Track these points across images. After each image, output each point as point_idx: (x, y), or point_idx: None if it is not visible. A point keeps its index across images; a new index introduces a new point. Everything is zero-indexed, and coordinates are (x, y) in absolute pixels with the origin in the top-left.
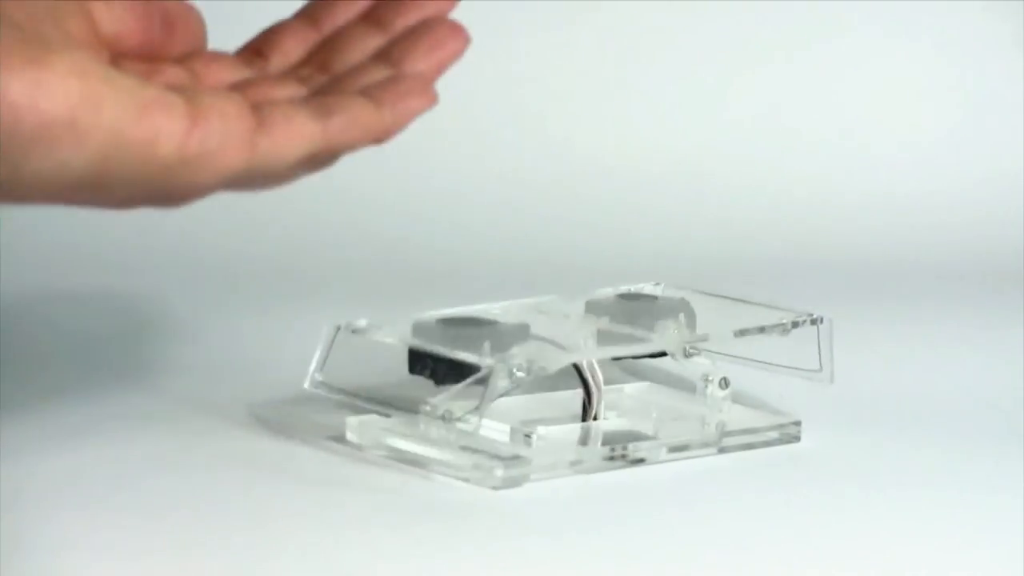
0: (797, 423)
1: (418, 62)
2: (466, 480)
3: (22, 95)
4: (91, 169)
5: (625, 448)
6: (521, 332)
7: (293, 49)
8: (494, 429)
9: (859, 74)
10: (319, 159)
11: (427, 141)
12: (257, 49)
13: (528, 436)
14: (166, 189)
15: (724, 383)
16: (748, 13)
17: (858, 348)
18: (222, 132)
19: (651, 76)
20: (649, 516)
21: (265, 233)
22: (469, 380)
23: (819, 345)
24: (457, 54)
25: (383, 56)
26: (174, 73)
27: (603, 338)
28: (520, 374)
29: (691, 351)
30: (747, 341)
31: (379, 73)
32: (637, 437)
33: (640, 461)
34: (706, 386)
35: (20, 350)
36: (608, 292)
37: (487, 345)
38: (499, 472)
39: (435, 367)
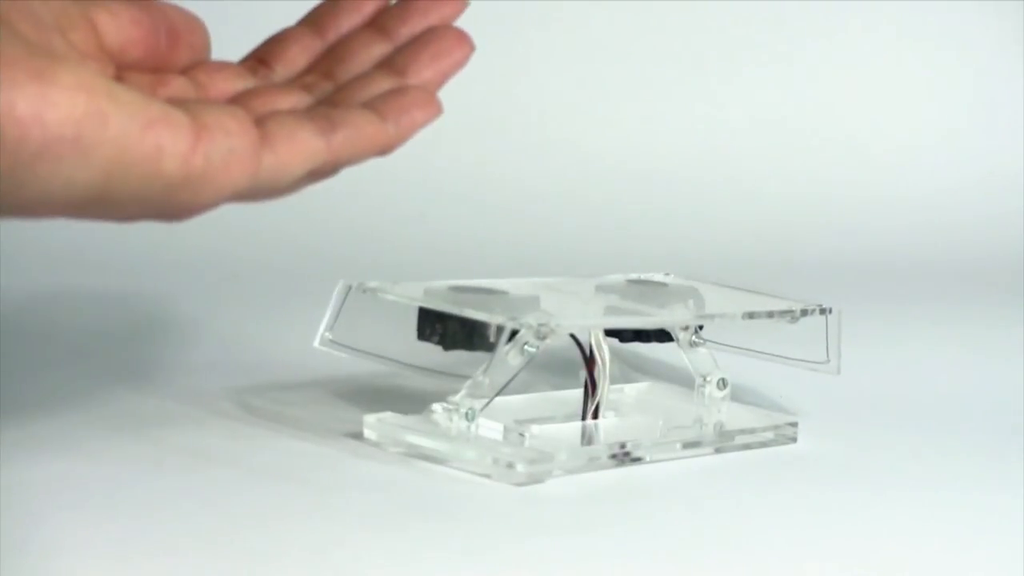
0: (794, 424)
1: (422, 71)
2: (487, 476)
3: (28, 110)
4: (95, 185)
5: (623, 447)
6: (532, 302)
7: (297, 57)
8: (489, 428)
9: (860, 74)
10: (323, 171)
11: (428, 141)
12: (261, 58)
13: (522, 435)
14: (170, 204)
15: (722, 383)
16: (749, 13)
17: (857, 347)
18: (226, 149)
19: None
20: (646, 515)
21: (265, 233)
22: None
23: (827, 335)
24: (461, 63)
25: (387, 65)
26: (179, 84)
27: (612, 313)
28: (531, 349)
29: (696, 341)
30: (755, 327)
31: (384, 83)
32: (635, 436)
33: (638, 460)
34: (704, 386)
35: (20, 350)
36: (618, 277)
37: (498, 309)
38: (522, 468)
39: (444, 331)
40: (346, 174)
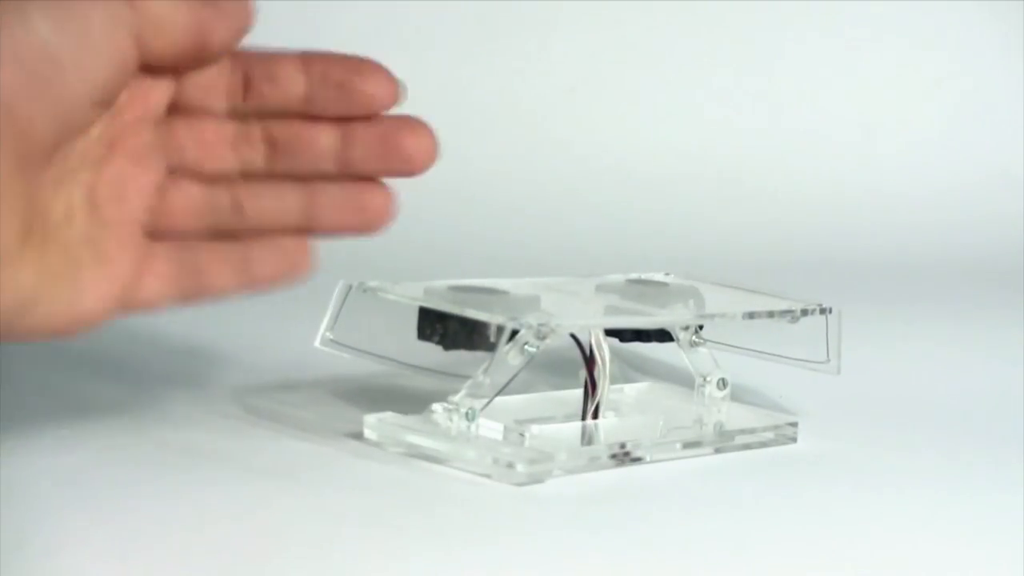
0: (794, 424)
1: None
2: (488, 476)
3: None
4: None
5: (623, 447)
6: (532, 302)
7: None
8: (489, 428)
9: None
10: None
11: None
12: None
13: (522, 435)
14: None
15: (722, 383)
16: (750, 14)
17: (857, 347)
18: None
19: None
20: (646, 515)
21: None
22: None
23: (827, 335)
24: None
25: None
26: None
27: (612, 312)
28: (531, 349)
29: (696, 341)
30: (755, 327)
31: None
32: (636, 436)
33: (638, 460)
34: (704, 386)
35: (20, 350)
36: (619, 277)
37: (498, 308)
38: (521, 468)
39: (444, 331)
40: None
